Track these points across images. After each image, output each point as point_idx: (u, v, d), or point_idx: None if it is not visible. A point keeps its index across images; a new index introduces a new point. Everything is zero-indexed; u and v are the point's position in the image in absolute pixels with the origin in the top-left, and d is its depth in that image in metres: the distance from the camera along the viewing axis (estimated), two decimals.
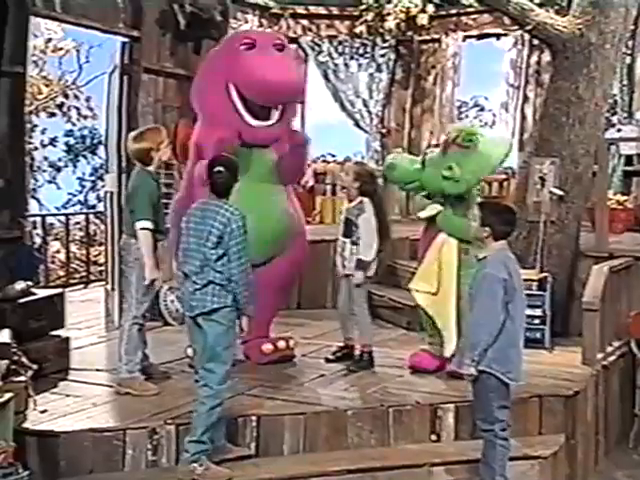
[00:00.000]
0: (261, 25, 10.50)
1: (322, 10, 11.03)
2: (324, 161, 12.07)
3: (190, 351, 5.32)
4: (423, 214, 5.86)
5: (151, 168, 5.41)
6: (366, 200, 5.89)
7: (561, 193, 6.91)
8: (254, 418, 4.96)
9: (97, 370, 5.83)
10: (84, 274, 10.03)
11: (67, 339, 5.89)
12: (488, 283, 4.34)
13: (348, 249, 5.91)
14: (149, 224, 5.23)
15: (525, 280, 6.37)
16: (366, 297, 6.06)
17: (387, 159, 6.36)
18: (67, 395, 5.29)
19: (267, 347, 6.01)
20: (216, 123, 5.72)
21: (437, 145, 6.00)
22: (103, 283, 8.35)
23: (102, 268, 9.32)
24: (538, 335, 6.53)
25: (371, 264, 5.88)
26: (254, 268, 5.90)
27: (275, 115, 5.84)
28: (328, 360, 6.15)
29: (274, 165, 5.90)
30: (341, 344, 6.22)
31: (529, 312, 6.29)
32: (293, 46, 10.37)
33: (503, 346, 4.34)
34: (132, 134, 5.59)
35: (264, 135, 5.83)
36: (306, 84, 6.17)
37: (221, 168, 4.59)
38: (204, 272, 4.51)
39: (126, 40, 7.77)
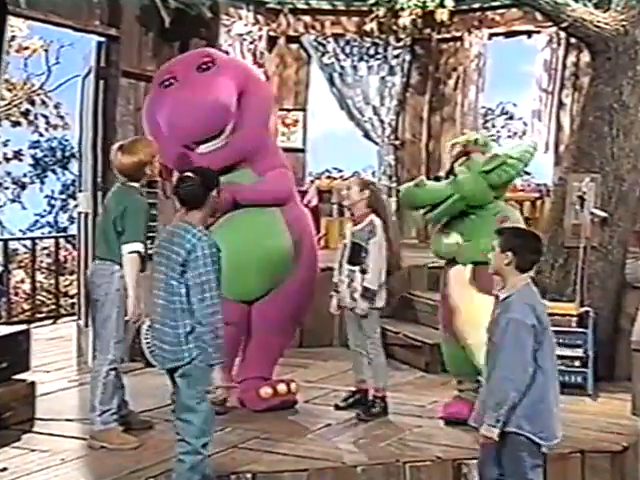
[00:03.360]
0: (257, 22, 10.55)
1: (326, 5, 11.11)
2: (329, 177, 12.11)
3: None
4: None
5: (137, 184, 5.40)
6: (377, 221, 5.89)
7: (604, 214, 6.90)
8: (249, 475, 4.91)
9: (67, 420, 5.78)
10: (53, 307, 10.02)
11: (32, 384, 5.84)
12: (514, 331, 4.22)
13: (358, 278, 5.89)
14: (140, 247, 5.20)
15: (563, 315, 6.41)
16: (380, 333, 6.05)
17: (403, 187, 6.23)
18: (32, 450, 5.23)
19: (265, 391, 5.98)
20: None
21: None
22: (75, 318, 8.33)
23: (74, 300, 9.30)
24: (579, 379, 6.50)
25: (377, 293, 5.87)
26: (250, 303, 5.94)
27: (221, 138, 5.91)
28: (338, 407, 6.12)
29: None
30: (353, 388, 6.19)
31: (568, 353, 6.31)
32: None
33: (534, 402, 4.26)
34: (119, 146, 5.52)
35: (209, 161, 5.65)
36: (232, 104, 5.96)
37: (189, 174, 4.49)
38: (170, 312, 4.32)
39: (102, 39, 7.80)
